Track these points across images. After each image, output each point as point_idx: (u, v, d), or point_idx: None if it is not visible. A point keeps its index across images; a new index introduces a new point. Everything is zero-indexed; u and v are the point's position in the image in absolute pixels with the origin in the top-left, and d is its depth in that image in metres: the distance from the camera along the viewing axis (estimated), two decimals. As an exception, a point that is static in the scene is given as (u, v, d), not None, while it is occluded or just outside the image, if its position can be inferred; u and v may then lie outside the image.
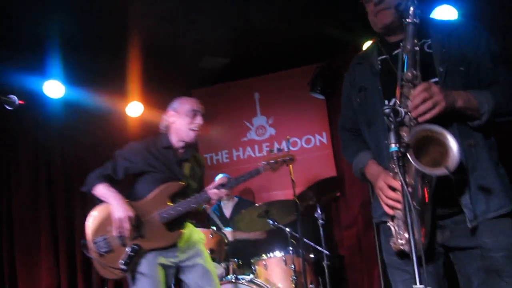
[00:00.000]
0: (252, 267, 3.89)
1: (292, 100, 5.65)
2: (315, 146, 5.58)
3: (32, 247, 4.93)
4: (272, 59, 5.42)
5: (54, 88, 4.86)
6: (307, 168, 5.38)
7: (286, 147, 3.93)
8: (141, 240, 2.76)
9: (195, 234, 3.06)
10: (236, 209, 4.68)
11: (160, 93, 5.69)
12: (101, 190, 2.80)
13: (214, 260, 3.68)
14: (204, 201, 2.87)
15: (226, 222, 4.45)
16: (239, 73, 5.70)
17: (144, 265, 2.74)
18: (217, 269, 3.78)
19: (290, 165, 3.68)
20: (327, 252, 3.87)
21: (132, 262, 2.68)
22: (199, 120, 2.97)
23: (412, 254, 1.34)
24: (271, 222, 3.76)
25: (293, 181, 3.62)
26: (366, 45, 4.49)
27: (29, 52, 4.52)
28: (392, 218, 1.70)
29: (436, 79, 1.76)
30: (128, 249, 2.68)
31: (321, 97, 5.43)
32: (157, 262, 2.78)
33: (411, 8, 1.69)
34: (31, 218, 5.03)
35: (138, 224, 2.77)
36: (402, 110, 1.50)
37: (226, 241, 3.93)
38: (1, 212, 4.94)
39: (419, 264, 1.35)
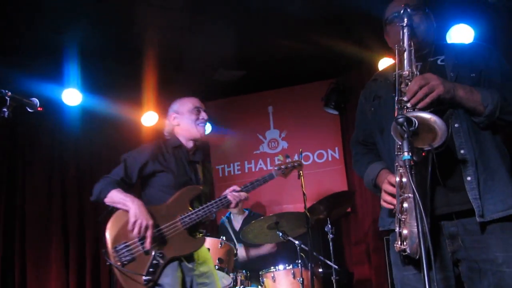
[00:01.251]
0: (260, 279, 3.87)
1: (306, 114, 5.68)
2: (327, 161, 5.57)
3: (43, 251, 4.98)
4: (287, 73, 5.47)
5: (72, 96, 4.94)
6: (318, 182, 5.37)
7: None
8: (164, 247, 2.61)
9: (206, 251, 2.96)
10: (246, 222, 4.67)
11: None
12: (116, 196, 2.63)
13: (222, 270, 3.68)
14: (225, 206, 2.81)
15: (236, 235, 4.45)
16: (254, 86, 5.76)
17: (167, 276, 2.58)
18: (225, 279, 3.77)
19: (302, 178, 3.70)
20: (336, 266, 3.83)
21: (157, 271, 2.54)
22: (204, 115, 2.98)
23: (420, 246, 1.34)
24: (280, 234, 3.75)
25: (304, 194, 3.61)
26: (381, 61, 4.53)
27: (48, 60, 4.62)
28: (399, 221, 1.71)
29: None
30: (152, 257, 2.55)
31: (335, 112, 5.45)
32: (179, 273, 2.64)
33: (405, 15, 1.80)
34: (44, 222, 5.10)
35: (159, 230, 2.63)
36: (415, 120, 1.51)
37: (235, 251, 3.92)
38: (15, 215, 5.02)
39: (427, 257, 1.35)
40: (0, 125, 2.11)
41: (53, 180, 5.28)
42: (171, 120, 2.99)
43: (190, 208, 2.74)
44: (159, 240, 2.62)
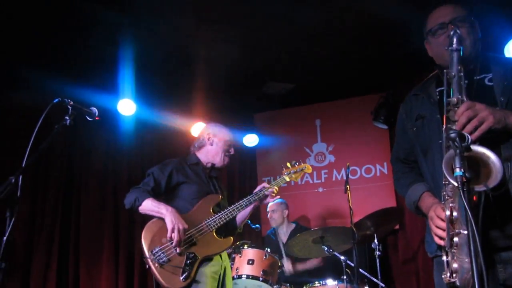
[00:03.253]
0: (304, 293, 3.84)
1: (354, 128, 5.61)
2: (375, 176, 5.46)
3: (95, 253, 5.20)
4: (336, 87, 5.44)
5: (126, 106, 5.13)
6: (366, 197, 5.27)
7: (346, 175, 3.91)
8: (195, 248, 2.87)
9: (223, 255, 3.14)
10: (292, 235, 4.65)
11: (223, 115, 5.89)
12: (151, 204, 2.87)
13: (266, 282, 3.68)
14: (251, 203, 3.08)
15: (283, 247, 4.44)
16: (302, 99, 5.77)
17: (200, 274, 2.83)
18: (269, 291, 3.77)
19: (349, 193, 3.66)
20: (383, 285, 3.74)
21: (191, 269, 2.79)
22: (232, 150, 3.26)
23: (475, 281, 1.28)
24: (325, 248, 3.71)
25: (351, 208, 3.57)
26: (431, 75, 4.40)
27: (105, 71, 4.85)
28: (447, 252, 1.63)
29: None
30: (185, 258, 2.81)
31: (384, 126, 5.34)
32: (209, 272, 2.88)
33: (455, 38, 1.69)
34: (97, 226, 5.33)
35: (191, 233, 2.89)
36: (468, 135, 1.46)
37: (279, 264, 3.91)
38: (70, 219, 5.27)
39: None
40: (61, 132, 2.25)
41: (107, 187, 5.52)
42: (206, 139, 3.24)
43: (213, 213, 3.00)
44: (190, 242, 2.87)
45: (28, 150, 2.08)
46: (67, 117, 2.25)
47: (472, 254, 1.31)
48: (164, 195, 3.06)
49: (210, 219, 2.96)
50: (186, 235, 2.86)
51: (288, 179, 3.38)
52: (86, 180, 5.47)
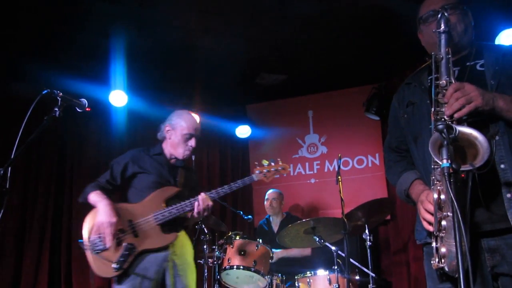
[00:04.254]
0: (296, 284, 3.86)
1: (346, 119, 5.63)
2: (367, 167, 5.50)
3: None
4: (328, 78, 5.45)
5: (118, 98, 5.12)
6: (357, 188, 5.31)
7: (337, 166, 3.92)
8: (135, 240, 2.83)
9: (188, 246, 3.09)
10: (283, 225, 4.68)
11: (216, 106, 5.89)
12: (93, 197, 2.90)
13: (258, 272, 3.70)
14: (191, 208, 2.89)
15: (274, 237, 4.46)
16: (294, 90, 5.77)
17: (135, 267, 2.80)
18: (260, 282, 3.79)
19: (340, 184, 3.68)
20: (373, 275, 3.76)
21: (126, 260, 2.75)
22: (192, 143, 3.06)
23: (459, 267, 1.30)
24: (317, 239, 3.72)
25: (342, 199, 3.59)
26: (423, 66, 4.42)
27: (96, 63, 4.83)
28: (436, 238, 1.65)
29: None
30: (123, 248, 2.78)
31: (376, 118, 5.36)
32: (148, 264, 2.82)
33: (442, 20, 1.71)
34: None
35: (133, 225, 2.86)
36: (455, 126, 1.47)
37: (271, 254, 3.93)
38: (62, 210, 5.26)
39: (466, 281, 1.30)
40: (51, 124, 2.23)
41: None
42: (164, 131, 3.13)
43: (165, 206, 2.92)
44: (132, 233, 2.85)
45: (17, 142, 2.07)
46: (56, 109, 2.23)
47: (457, 239, 1.33)
48: (122, 185, 3.06)
49: (159, 212, 2.89)
50: (130, 225, 2.84)
51: (256, 179, 3.15)
52: (78, 172, 5.45)
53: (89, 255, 2.80)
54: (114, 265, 2.73)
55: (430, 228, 1.67)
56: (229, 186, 3.01)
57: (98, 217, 2.81)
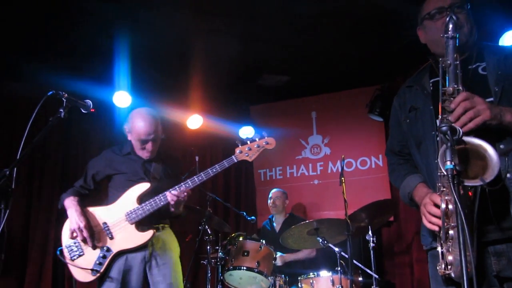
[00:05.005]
0: (299, 285, 3.86)
1: (349, 120, 5.63)
2: (370, 168, 5.49)
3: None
4: (332, 79, 5.45)
5: (122, 98, 5.13)
6: (360, 189, 5.31)
7: (341, 167, 3.92)
8: (111, 242, 2.82)
9: (173, 243, 3.05)
10: (286, 224, 4.68)
11: (219, 107, 5.90)
12: (66, 204, 2.93)
13: (261, 273, 3.70)
14: (166, 202, 2.82)
15: (276, 237, 4.47)
16: (298, 92, 5.77)
17: (113, 269, 2.80)
18: (263, 282, 3.80)
19: (343, 185, 3.68)
20: (376, 276, 3.76)
21: (102, 264, 2.77)
22: (149, 146, 2.97)
23: (463, 274, 1.30)
24: (320, 240, 3.73)
25: (345, 200, 3.59)
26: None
27: (100, 64, 4.84)
28: (441, 243, 1.64)
29: (491, 99, 1.71)
30: (98, 252, 2.80)
31: (379, 119, 5.36)
32: (127, 266, 2.82)
33: (450, 24, 1.67)
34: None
35: (107, 227, 2.85)
36: (459, 128, 1.47)
37: (274, 255, 3.94)
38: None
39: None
40: (56, 124, 2.25)
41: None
42: (127, 133, 3.06)
43: (138, 204, 2.87)
44: (107, 235, 2.85)
45: (22, 143, 2.08)
46: (61, 110, 2.25)
47: (461, 246, 1.33)
48: (96, 188, 3.09)
49: (132, 210, 2.84)
50: (104, 228, 2.84)
51: (236, 160, 2.88)
52: (82, 172, 5.44)
53: (68, 262, 2.83)
54: (92, 271, 2.76)
55: (435, 228, 1.66)
56: (205, 172, 2.85)
57: (70, 224, 2.84)
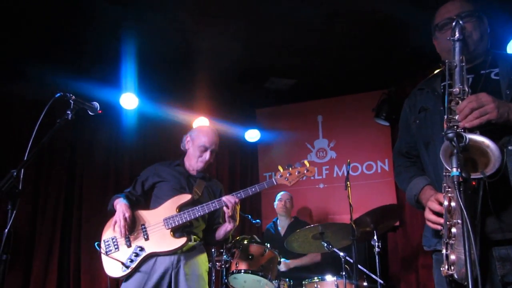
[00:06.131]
0: (303, 289, 3.85)
1: (355, 125, 5.62)
2: (376, 173, 5.47)
3: (96, 251, 5.18)
4: (338, 83, 5.45)
5: (129, 100, 5.15)
6: (366, 194, 5.29)
7: (346, 171, 3.91)
8: (145, 243, 2.96)
9: (202, 256, 3.13)
10: (291, 228, 4.68)
11: (226, 110, 5.91)
12: (115, 202, 3.07)
13: (265, 277, 3.70)
14: (211, 209, 2.95)
15: (281, 241, 4.46)
16: (304, 95, 5.77)
17: (142, 268, 2.92)
18: (267, 286, 3.79)
19: (349, 189, 3.67)
20: (381, 281, 3.75)
21: (134, 261, 2.89)
22: (207, 156, 3.18)
23: (468, 277, 1.29)
24: (325, 244, 3.72)
25: (350, 205, 3.58)
26: (436, 72, 4.40)
27: (107, 66, 4.87)
28: (446, 245, 1.64)
29: None
30: (132, 250, 2.93)
31: (386, 123, 5.35)
32: (155, 268, 2.92)
33: (457, 28, 1.71)
34: (98, 221, 5.30)
35: (145, 228, 2.99)
36: (465, 135, 1.47)
37: (279, 259, 3.93)
38: (72, 213, 5.30)
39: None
40: (64, 126, 2.26)
41: (109, 181, 5.55)
42: (185, 142, 3.30)
43: (177, 212, 3.01)
44: (143, 236, 2.98)
45: (30, 144, 2.10)
46: (69, 112, 2.26)
47: (466, 248, 1.32)
48: (143, 196, 3.23)
49: (170, 216, 2.98)
50: (143, 229, 2.98)
51: (276, 183, 3.07)
52: (88, 174, 5.49)
53: (103, 256, 2.97)
54: (123, 266, 2.88)
55: (437, 227, 1.67)
56: (244, 191, 3.01)
57: (116, 215, 2.97)
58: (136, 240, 2.97)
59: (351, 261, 3.52)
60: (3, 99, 5.09)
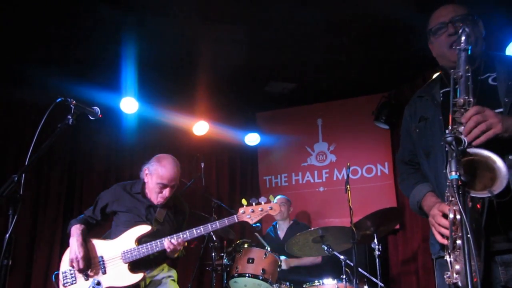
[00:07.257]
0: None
1: (355, 128, 5.62)
2: (376, 176, 5.48)
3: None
4: (338, 86, 5.46)
5: (129, 104, 5.16)
6: (366, 197, 5.29)
7: (346, 174, 3.92)
8: (103, 277, 2.94)
9: (167, 278, 3.09)
10: (290, 231, 4.68)
11: (226, 114, 5.92)
12: (72, 231, 3.07)
13: (266, 281, 3.70)
14: (162, 248, 2.90)
15: (280, 244, 4.46)
16: (304, 99, 5.78)
17: None
18: (268, 290, 3.79)
19: (349, 193, 3.67)
20: (382, 284, 3.74)
21: None
22: (166, 193, 3.07)
23: (468, 284, 1.30)
24: (325, 248, 3.72)
25: (350, 208, 3.58)
26: (435, 76, 4.41)
27: (107, 70, 4.88)
28: (450, 252, 1.64)
29: (501, 110, 1.71)
30: (89, 284, 2.92)
31: (386, 127, 5.36)
32: None
33: (463, 36, 1.67)
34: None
35: (103, 261, 2.97)
36: (464, 138, 1.47)
37: (279, 263, 3.93)
38: (72, 216, 5.27)
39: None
40: (64, 131, 2.27)
41: (109, 184, 5.46)
42: (144, 174, 3.18)
43: (135, 245, 2.95)
44: (101, 270, 2.97)
45: (31, 149, 2.10)
46: (69, 117, 2.27)
47: (466, 255, 1.33)
48: (104, 220, 3.22)
49: (128, 250, 2.93)
50: (100, 262, 2.96)
51: (237, 220, 2.95)
52: (88, 178, 5.49)
53: (61, 287, 2.98)
54: None
55: (445, 241, 1.66)
56: (204, 226, 2.93)
57: (69, 253, 2.97)
58: (94, 273, 2.96)
59: (352, 264, 3.52)
60: (4, 103, 5.10)
